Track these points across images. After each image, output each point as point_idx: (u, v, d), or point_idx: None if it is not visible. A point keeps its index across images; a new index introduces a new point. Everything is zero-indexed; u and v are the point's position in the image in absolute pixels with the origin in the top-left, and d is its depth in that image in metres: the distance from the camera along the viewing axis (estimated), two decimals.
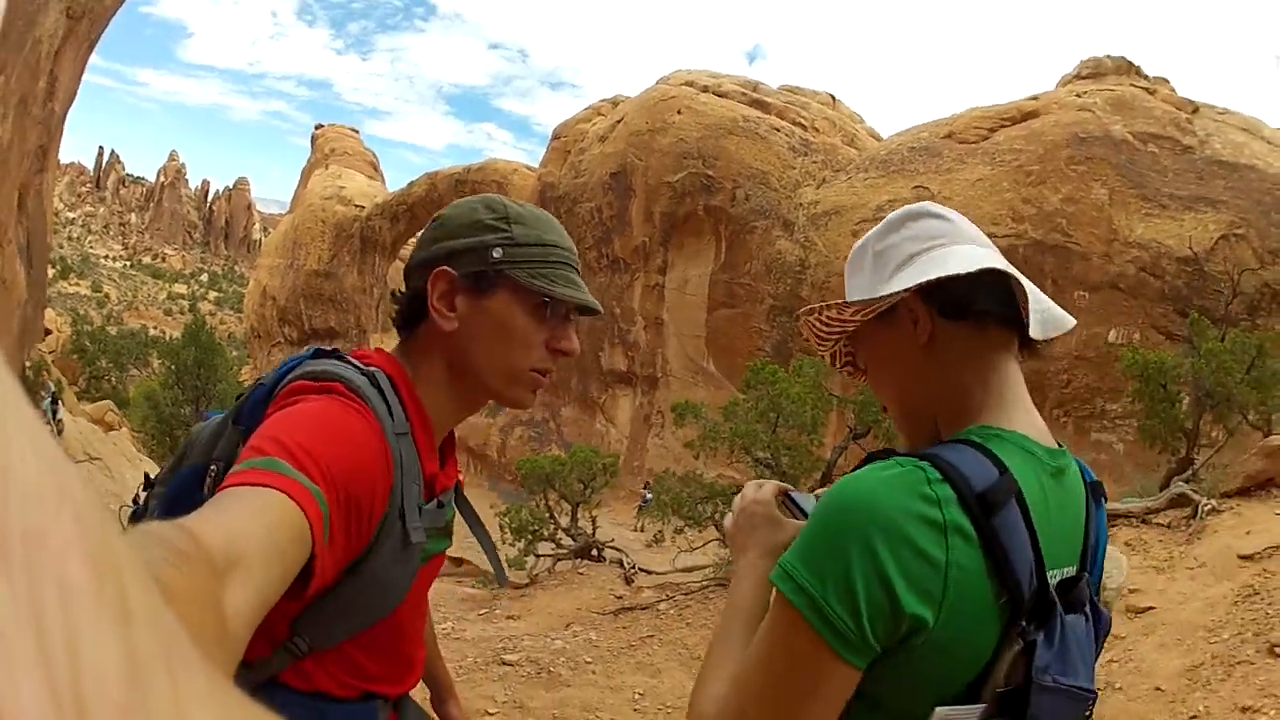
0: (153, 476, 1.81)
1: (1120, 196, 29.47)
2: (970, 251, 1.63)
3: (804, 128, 40.08)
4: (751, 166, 37.93)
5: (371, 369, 1.65)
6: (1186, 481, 14.21)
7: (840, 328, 1.72)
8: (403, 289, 1.83)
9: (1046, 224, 29.93)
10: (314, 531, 1.26)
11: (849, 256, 1.79)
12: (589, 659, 12.44)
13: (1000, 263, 1.59)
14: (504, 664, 12.20)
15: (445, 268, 1.73)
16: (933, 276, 1.54)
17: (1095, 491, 1.64)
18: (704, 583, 16.77)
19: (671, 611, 15.16)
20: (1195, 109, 32.16)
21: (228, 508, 1.17)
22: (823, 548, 1.35)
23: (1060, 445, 1.62)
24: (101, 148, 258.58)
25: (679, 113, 40.94)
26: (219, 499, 1.19)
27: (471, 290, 1.74)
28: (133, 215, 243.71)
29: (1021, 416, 1.58)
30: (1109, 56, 35.80)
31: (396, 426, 1.59)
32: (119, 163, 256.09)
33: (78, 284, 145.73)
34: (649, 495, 33.06)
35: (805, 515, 1.76)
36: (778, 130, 39.09)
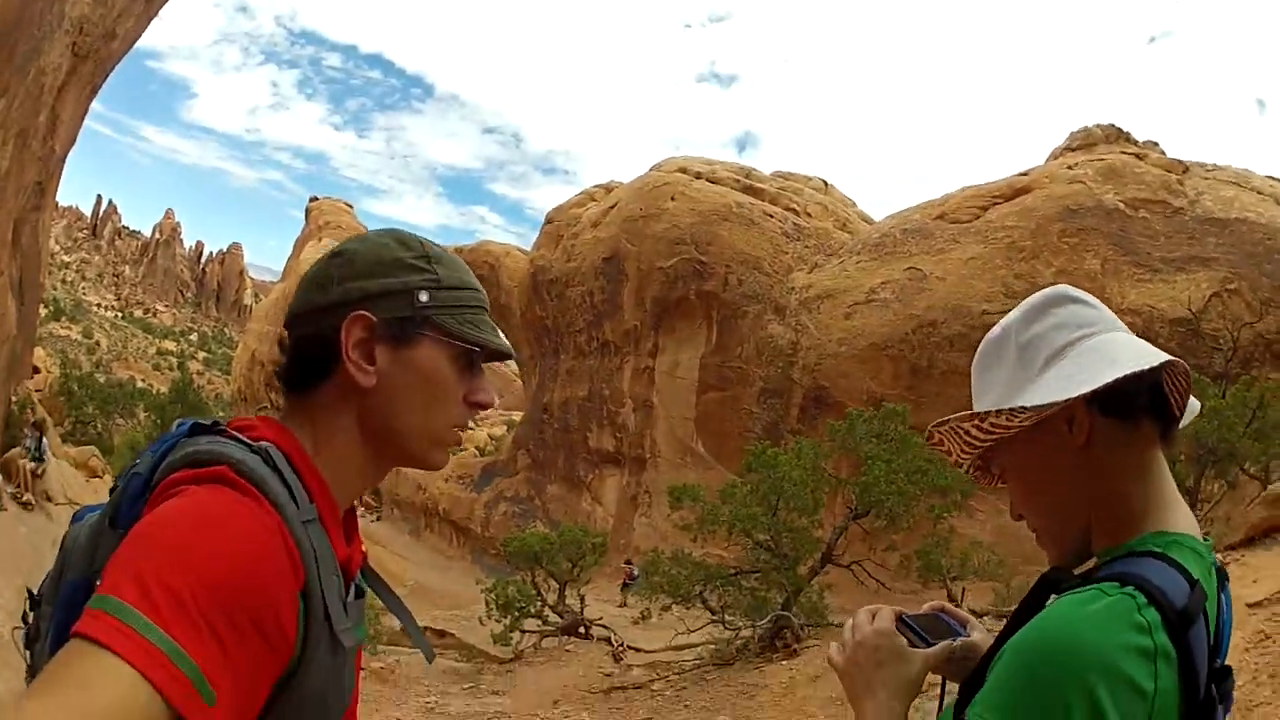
0: (36, 592, 1.56)
1: (1112, 265, 29.90)
2: (1129, 340, 1.60)
3: (796, 213, 40.62)
4: (744, 252, 38.44)
5: (262, 444, 1.41)
6: None
7: (992, 434, 1.63)
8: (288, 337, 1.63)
9: None
10: (178, 701, 1.10)
11: (980, 349, 1.72)
12: None
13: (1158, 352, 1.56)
14: None
15: (362, 312, 1.51)
16: (1120, 374, 1.48)
17: (1220, 575, 1.56)
18: (697, 662, 16.70)
19: (668, 692, 14.87)
20: (1185, 169, 32.82)
21: (53, 696, 1.06)
22: (1037, 705, 1.29)
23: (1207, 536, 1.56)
24: (100, 196, 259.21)
25: (672, 199, 41.54)
26: (49, 677, 1.08)
27: (393, 340, 1.54)
28: (126, 267, 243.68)
29: (1183, 515, 1.54)
30: (1099, 125, 36.45)
31: (302, 513, 1.38)
32: (116, 213, 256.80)
33: (69, 328, 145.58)
34: (635, 573, 33.50)
35: (926, 640, 1.69)
36: (770, 216, 39.67)
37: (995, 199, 34.40)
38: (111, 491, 1.46)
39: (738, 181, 42.37)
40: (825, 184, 46.54)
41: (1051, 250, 30.93)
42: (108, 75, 25.81)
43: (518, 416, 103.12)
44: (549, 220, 53.63)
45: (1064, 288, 1.68)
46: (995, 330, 1.70)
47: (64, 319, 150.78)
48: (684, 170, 43.82)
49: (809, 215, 41.03)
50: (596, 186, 53.72)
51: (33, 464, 20.64)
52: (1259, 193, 31.12)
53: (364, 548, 1.73)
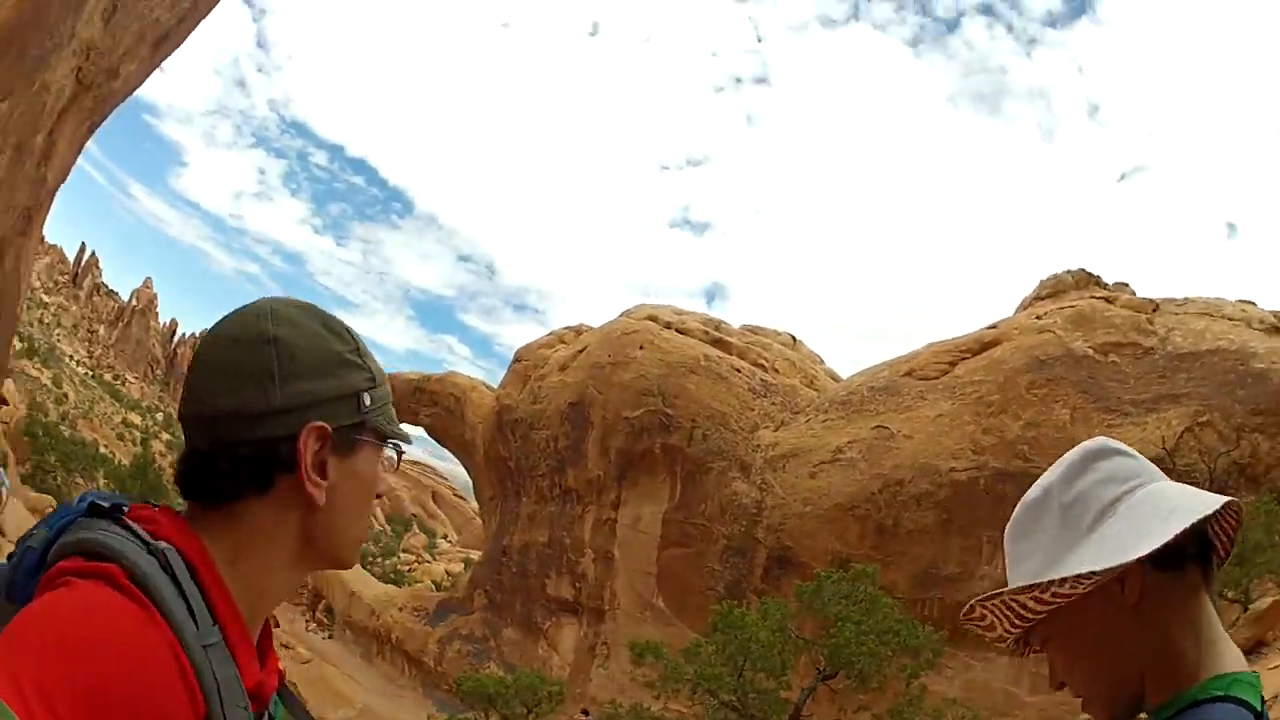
0: None
1: (1082, 413, 29.91)
2: (1177, 489, 1.56)
3: (764, 368, 40.90)
4: (711, 406, 38.57)
5: (162, 545, 1.27)
6: None
7: (1052, 604, 1.55)
8: (196, 441, 1.43)
9: (1008, 452, 30.11)
10: None
11: (1016, 514, 1.66)
12: None
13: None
14: None
15: (320, 424, 1.37)
16: (1185, 525, 1.44)
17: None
18: None
19: None
20: (1155, 307, 33.07)
21: None
22: None
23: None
24: (84, 244, 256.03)
25: (641, 348, 41.75)
26: None
27: (341, 449, 1.41)
28: (101, 327, 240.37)
29: (1231, 651, 1.50)
30: (1069, 271, 36.73)
31: (203, 635, 1.23)
32: (97, 266, 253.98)
33: (40, 370, 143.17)
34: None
35: None
36: (738, 371, 39.91)
37: (963, 354, 34.66)
38: (9, 558, 1.33)
39: (707, 334, 42.65)
40: (793, 339, 47.07)
41: (1020, 403, 31.06)
42: (107, 115, 26.20)
43: (475, 555, 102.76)
44: (517, 359, 53.78)
45: (1104, 440, 1.66)
46: (1033, 492, 1.65)
47: (36, 360, 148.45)
48: (654, 319, 44.21)
49: (776, 371, 41.32)
50: (566, 329, 53.99)
51: None
52: (1230, 319, 31.28)
53: (280, 666, 1.51)
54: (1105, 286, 35.84)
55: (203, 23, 27.79)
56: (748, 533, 35.77)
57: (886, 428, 33.40)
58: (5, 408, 56.65)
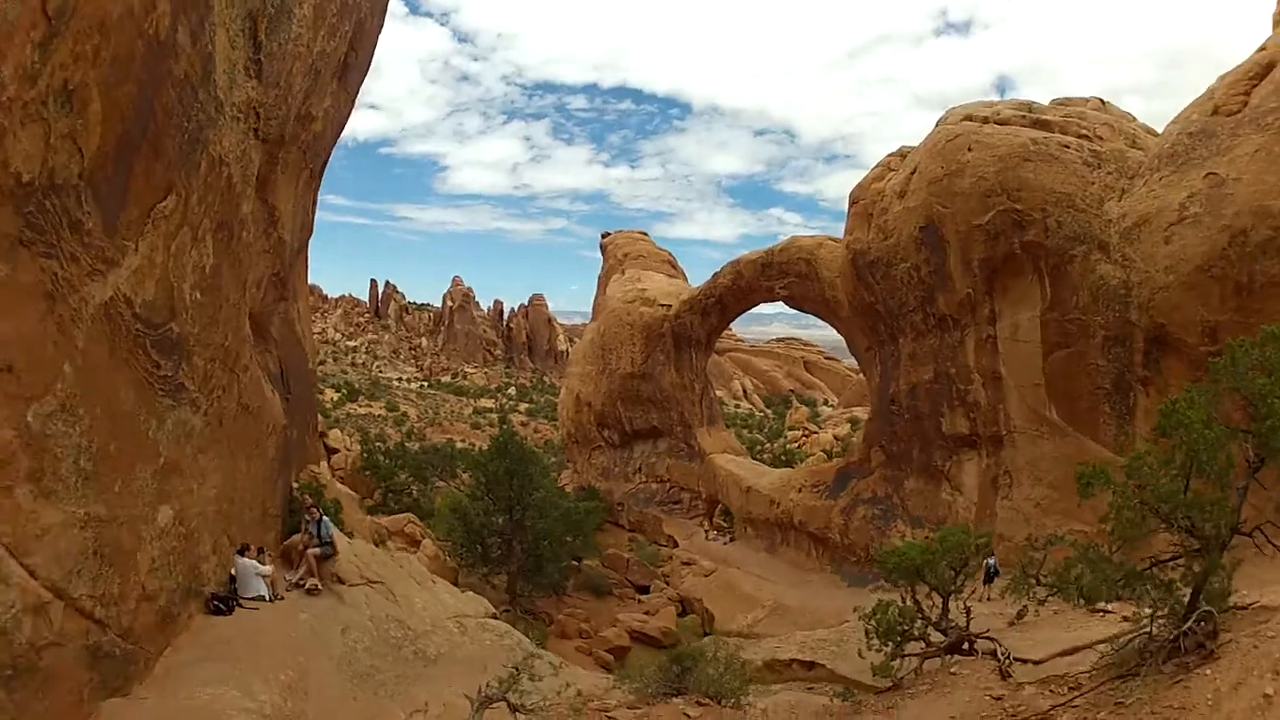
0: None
1: None
2: None
3: (1089, 139, 38.62)
4: (1054, 190, 36.74)
5: None
6: None
7: None
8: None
9: None
10: None
11: None
12: None
13: None
14: None
15: None
16: None
17: None
18: (1093, 672, 15.13)
19: None
20: None
21: None
22: None
23: None
24: (374, 280, 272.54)
25: (969, 149, 40.05)
26: None
27: None
28: (423, 340, 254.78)
29: None
30: None
31: None
32: (397, 292, 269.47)
33: (369, 405, 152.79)
34: (995, 566, 31.99)
35: None
36: (1067, 147, 37.79)
37: (1253, 80, 31.98)
38: None
39: (1024, 118, 40.55)
40: (1102, 102, 43.83)
41: None
42: (325, 160, 26.69)
43: (860, 412, 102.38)
44: (854, 200, 52.45)
45: None
46: None
47: (361, 399, 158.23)
48: (970, 118, 42.28)
49: (1100, 139, 38.79)
50: (891, 155, 52.14)
51: (316, 549, 21.04)
52: None
53: None
54: None
55: (380, 42, 27.86)
56: (1122, 316, 33.98)
57: (1215, 173, 30.90)
58: (336, 456, 60.26)
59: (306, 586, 20.44)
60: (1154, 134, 39.71)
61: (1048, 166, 37.34)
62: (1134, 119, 43.04)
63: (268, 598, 18.73)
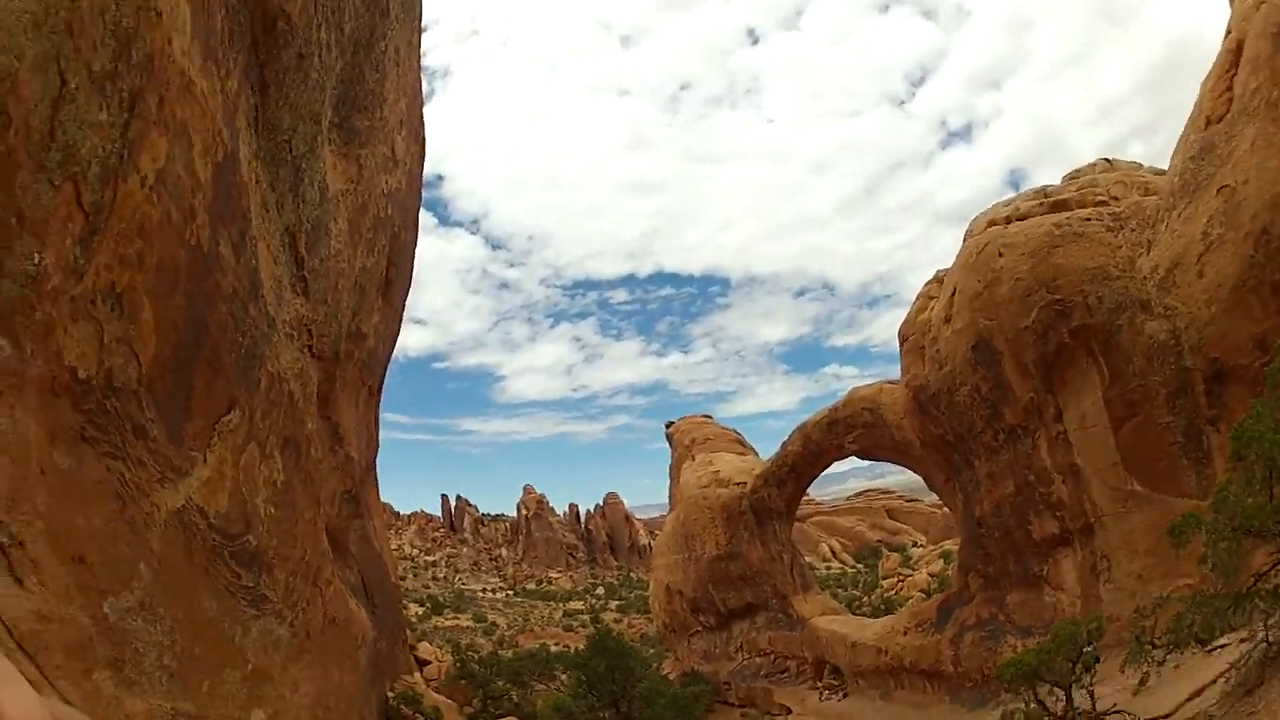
0: None
1: None
2: None
3: (1106, 203, 38.93)
4: (1087, 269, 36.83)
5: None
6: None
7: None
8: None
9: None
10: None
11: None
12: None
13: None
14: None
15: None
16: None
17: None
18: (1220, 699, 14.84)
19: None
20: None
21: None
22: None
23: None
24: (445, 495, 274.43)
25: (1000, 255, 40.32)
26: None
27: None
28: (502, 550, 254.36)
29: None
30: None
31: None
32: (470, 505, 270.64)
33: (455, 618, 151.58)
34: (1091, 650, 31.23)
35: None
36: (1088, 220, 38.08)
37: (1230, 72, 32.01)
38: None
39: (1041, 205, 40.97)
40: (1109, 161, 44.53)
41: None
42: (382, 376, 27.36)
43: (950, 545, 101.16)
44: (903, 338, 52.67)
45: None
46: None
47: (447, 611, 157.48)
48: (994, 222, 42.66)
49: (1115, 199, 39.18)
50: (928, 283, 52.65)
51: None
52: None
53: None
54: None
55: (418, 254, 28.89)
56: (1177, 366, 33.86)
57: (1227, 185, 30.82)
58: (429, 667, 60.39)
59: None
60: (1162, 173, 39.76)
61: (1076, 246, 37.54)
62: (1140, 166, 43.51)
63: None
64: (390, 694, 25.39)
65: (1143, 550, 36.13)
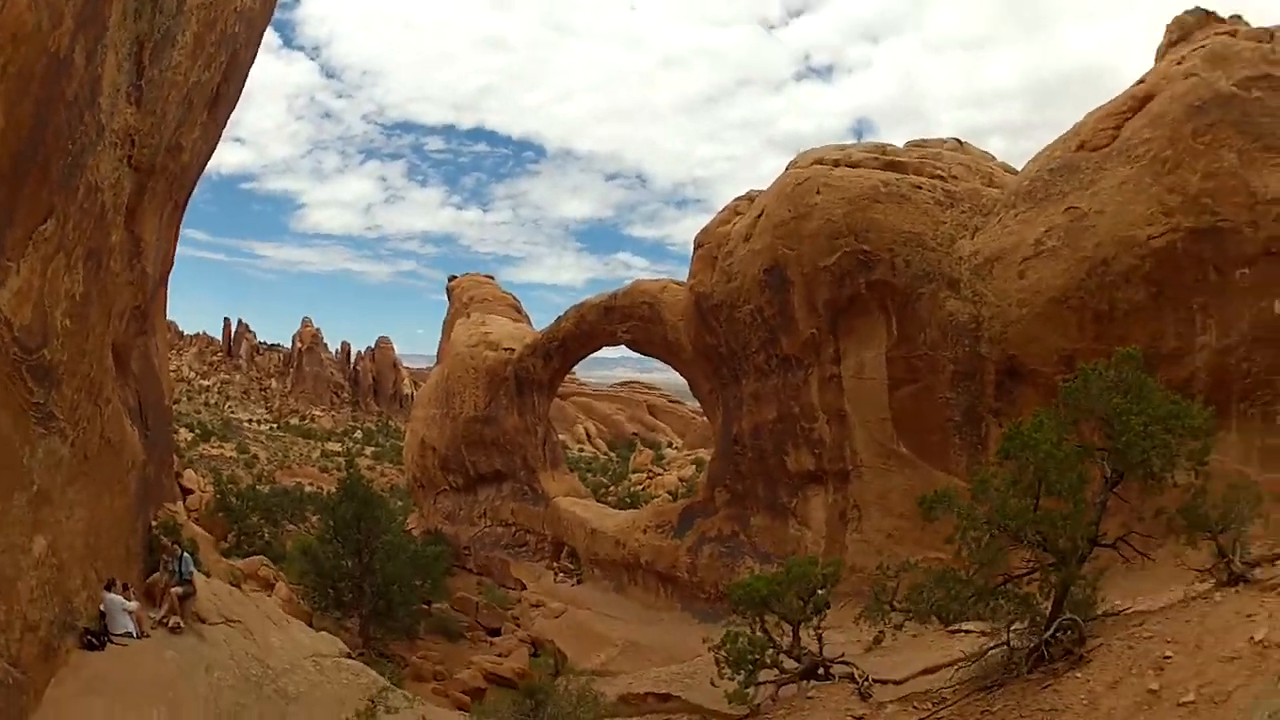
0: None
1: (1247, 156, 28.60)
2: None
3: (943, 178, 39.52)
4: (903, 230, 37.45)
5: None
6: None
7: None
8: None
9: (1195, 209, 29.06)
10: None
11: None
12: None
13: None
14: None
15: None
16: None
17: None
18: (956, 686, 15.31)
19: None
20: (1271, 35, 31.19)
21: None
22: None
23: None
24: (227, 319, 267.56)
25: (818, 192, 40.57)
26: None
27: None
28: (272, 381, 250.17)
29: None
30: (1187, 12, 34.72)
31: None
32: (249, 332, 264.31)
33: (221, 446, 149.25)
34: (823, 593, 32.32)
35: None
36: (919, 188, 38.61)
37: (1125, 115, 32.94)
38: None
39: (876, 160, 41.29)
40: (960, 142, 45.41)
41: (1191, 154, 29.54)
42: (189, 192, 26.24)
43: (705, 454, 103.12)
44: (698, 244, 52.91)
45: None
46: None
47: (214, 439, 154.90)
48: (820, 161, 42.84)
49: (955, 178, 39.83)
50: (738, 199, 52.53)
51: (178, 588, 20.56)
52: None
53: None
54: (1221, 20, 33.86)
55: (251, 75, 27.54)
56: (972, 350, 34.91)
57: (1077, 207, 32.04)
58: (191, 496, 58.98)
59: (170, 624, 19.84)
60: (1014, 172, 40.96)
61: (897, 207, 38.09)
62: (993, 158, 44.57)
63: (135, 634, 18.27)
64: (154, 522, 24.62)
65: (898, 512, 37.44)
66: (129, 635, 18.10)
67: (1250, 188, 28.27)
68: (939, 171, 40.19)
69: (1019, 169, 40.23)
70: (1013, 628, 14.63)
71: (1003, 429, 32.08)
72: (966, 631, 20.01)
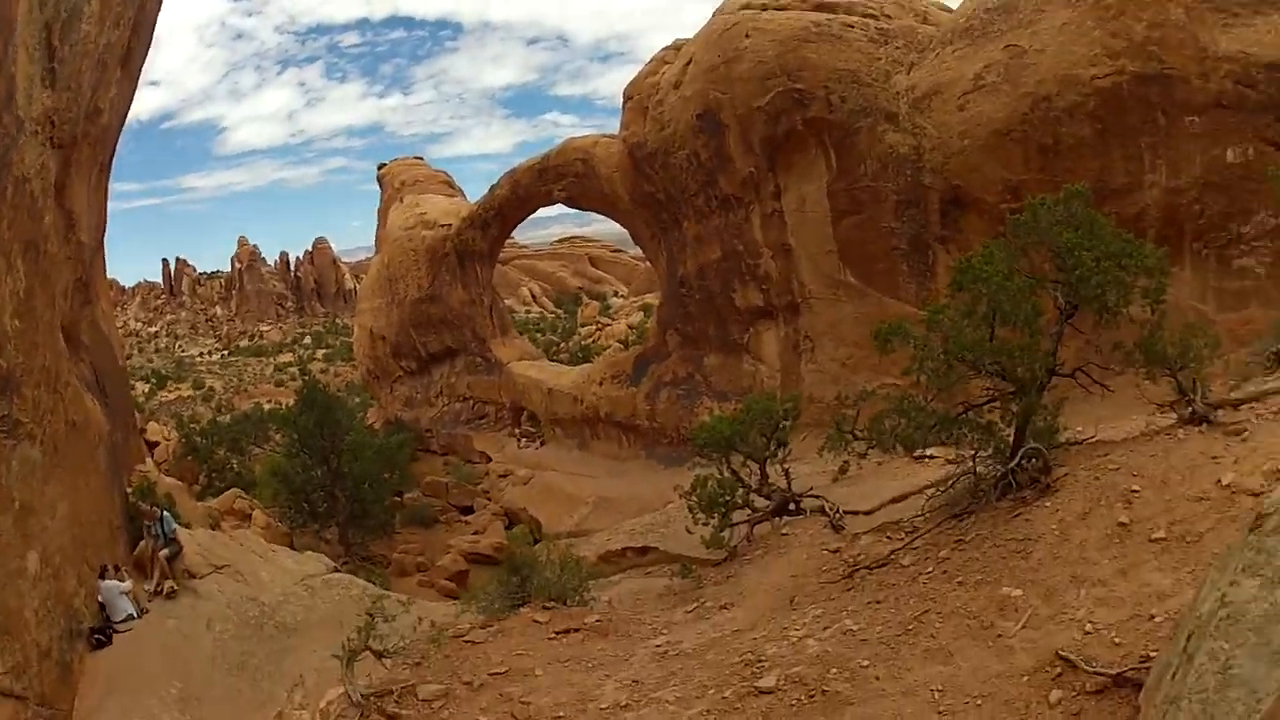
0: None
1: (1195, 13, 28.67)
2: None
3: (875, 18, 39.23)
4: (837, 68, 37.25)
5: None
6: None
7: None
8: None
9: (1140, 55, 29.13)
10: None
11: None
12: (864, 661, 10.51)
13: None
14: (761, 693, 10.35)
15: None
16: None
17: None
18: (926, 515, 15.50)
19: (924, 565, 13.22)
20: None
21: None
22: None
23: None
24: (165, 260, 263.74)
25: (747, 36, 40.32)
26: None
27: None
28: (217, 308, 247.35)
29: None
30: None
31: None
32: (188, 266, 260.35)
33: (177, 388, 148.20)
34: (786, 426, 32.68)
35: None
36: (851, 27, 38.33)
37: None
38: None
39: (805, 3, 40.75)
40: None
41: (1136, 4, 29.44)
42: (113, 150, 25.63)
43: (652, 300, 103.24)
44: (628, 96, 52.64)
45: None
46: None
47: (170, 384, 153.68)
48: (748, 6, 42.26)
49: (888, 17, 39.65)
50: (665, 49, 52.08)
51: (164, 550, 20.65)
52: None
53: None
54: None
55: (159, 18, 26.56)
56: (914, 181, 35.16)
57: (1017, 45, 32.00)
58: (157, 449, 58.66)
59: (164, 591, 19.97)
60: (949, 11, 40.65)
61: (830, 46, 37.89)
62: None
63: (135, 614, 18.46)
64: (129, 489, 24.54)
65: (850, 340, 37.99)
66: (130, 618, 18.30)
67: (1200, 42, 28.38)
68: (871, 11, 39.87)
69: (954, 8, 39.97)
70: (978, 455, 14.83)
71: (950, 256, 32.84)
72: (931, 457, 20.34)
